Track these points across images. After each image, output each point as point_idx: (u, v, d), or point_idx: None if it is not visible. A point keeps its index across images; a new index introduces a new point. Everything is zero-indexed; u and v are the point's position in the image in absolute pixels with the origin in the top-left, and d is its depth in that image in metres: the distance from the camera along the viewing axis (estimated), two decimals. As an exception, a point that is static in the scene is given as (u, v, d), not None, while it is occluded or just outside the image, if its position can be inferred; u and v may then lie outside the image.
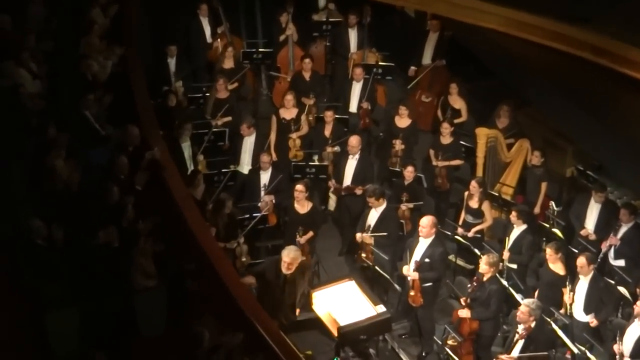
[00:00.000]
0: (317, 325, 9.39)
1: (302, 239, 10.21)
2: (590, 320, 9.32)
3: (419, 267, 9.49)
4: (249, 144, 11.64)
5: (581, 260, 9.31)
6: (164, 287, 8.72)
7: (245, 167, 11.60)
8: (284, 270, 8.90)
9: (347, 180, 11.31)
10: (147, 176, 9.82)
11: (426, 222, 9.57)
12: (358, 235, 10.27)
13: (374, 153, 12.96)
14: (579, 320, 9.38)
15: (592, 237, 10.50)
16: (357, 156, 11.31)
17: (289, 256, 8.89)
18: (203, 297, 8.70)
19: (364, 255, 10.23)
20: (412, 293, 9.60)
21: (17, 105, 10.34)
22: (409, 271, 9.56)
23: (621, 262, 10.11)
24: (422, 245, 9.61)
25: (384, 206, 10.32)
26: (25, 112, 10.30)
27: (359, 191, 11.09)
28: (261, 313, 8.18)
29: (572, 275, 9.62)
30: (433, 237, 9.60)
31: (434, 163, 11.73)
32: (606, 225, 10.45)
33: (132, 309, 8.55)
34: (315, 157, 12.06)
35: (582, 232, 10.57)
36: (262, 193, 10.95)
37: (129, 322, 8.51)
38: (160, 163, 9.96)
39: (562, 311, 9.39)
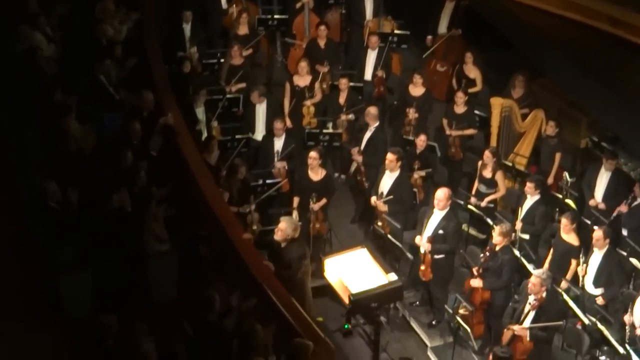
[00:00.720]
0: (328, 292, 9.31)
1: (315, 206, 10.13)
2: (600, 293, 9.19)
3: (433, 239, 9.39)
4: (260, 111, 11.52)
5: (597, 234, 9.16)
6: (176, 252, 8.70)
7: (258, 134, 11.49)
8: (275, 236, 8.82)
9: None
10: (160, 141, 9.75)
11: (442, 194, 9.44)
12: (373, 199, 10.18)
13: (387, 121, 12.84)
14: (590, 293, 9.25)
15: (601, 206, 10.40)
16: (373, 127, 11.20)
17: (281, 224, 8.79)
18: (215, 262, 8.66)
19: (379, 223, 10.13)
20: (422, 267, 9.51)
21: (32, 68, 10.27)
22: (422, 242, 9.46)
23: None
24: (436, 217, 9.48)
25: (397, 172, 10.20)
26: (41, 75, 10.22)
27: (358, 157, 11.02)
28: (272, 279, 8.09)
29: (586, 246, 9.51)
30: (447, 209, 9.48)
31: (448, 132, 11.62)
32: (615, 194, 10.33)
33: (144, 273, 8.55)
34: (329, 125, 11.95)
35: (591, 203, 10.46)
36: (276, 159, 10.85)
37: (141, 286, 8.52)
38: (173, 129, 9.86)
39: (565, 282, 9.32)
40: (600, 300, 9.19)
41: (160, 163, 9.64)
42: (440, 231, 9.43)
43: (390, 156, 10.11)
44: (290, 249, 8.63)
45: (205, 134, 11.07)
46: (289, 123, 11.70)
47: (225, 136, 11.16)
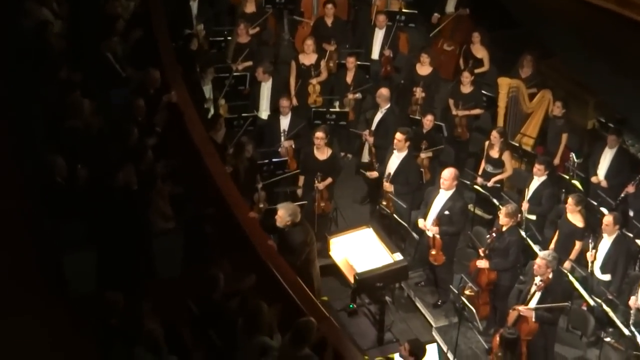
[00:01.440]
0: (333, 271, 9.26)
1: (320, 185, 10.02)
2: (608, 279, 9.06)
3: (439, 220, 9.28)
4: (266, 89, 11.36)
5: (608, 219, 9.01)
6: (181, 230, 8.61)
7: (263, 112, 11.37)
8: (277, 222, 8.70)
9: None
10: (166, 118, 9.63)
11: (448, 174, 9.31)
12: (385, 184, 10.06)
13: (394, 101, 12.63)
14: (599, 279, 9.11)
15: (603, 183, 10.29)
16: (385, 108, 11.05)
17: (279, 211, 8.62)
18: (220, 241, 8.57)
19: (384, 203, 10.01)
20: (433, 252, 9.39)
21: (40, 44, 10.14)
22: (428, 225, 9.36)
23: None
24: (442, 197, 9.36)
25: (405, 152, 10.07)
26: (49, 51, 10.10)
27: (369, 138, 10.91)
28: (277, 258, 8.01)
29: (591, 228, 9.38)
30: (454, 190, 9.36)
31: (454, 112, 11.49)
32: (617, 172, 10.22)
33: (150, 251, 8.47)
34: (336, 104, 11.80)
35: (593, 180, 10.35)
36: (282, 138, 10.74)
37: (146, 263, 8.44)
38: (179, 106, 9.74)
39: (568, 263, 9.24)
40: (609, 288, 9.04)
41: (166, 141, 9.53)
42: (447, 212, 9.31)
43: (399, 136, 9.97)
44: (293, 234, 8.50)
45: (212, 112, 10.93)
46: (295, 101, 11.57)
47: (232, 114, 11.03)
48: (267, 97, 11.37)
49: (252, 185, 9.79)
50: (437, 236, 9.33)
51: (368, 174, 10.50)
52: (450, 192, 9.34)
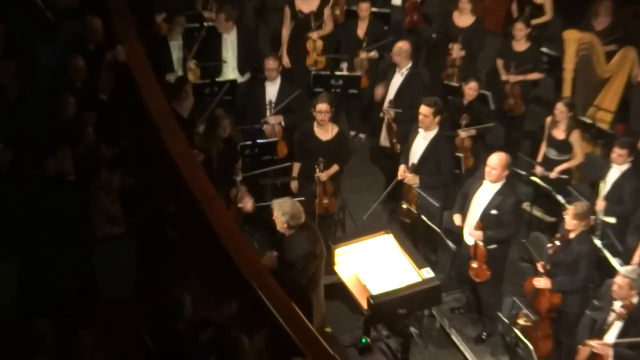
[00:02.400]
0: (339, 293, 9.31)
1: (322, 175, 10.05)
2: None
3: (483, 222, 9.29)
4: (229, 43, 11.41)
5: None
6: (133, 236, 8.66)
7: (229, 74, 11.41)
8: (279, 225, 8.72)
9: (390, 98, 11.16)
10: (112, 83, 9.69)
11: (496, 161, 9.30)
12: (402, 168, 10.08)
13: (422, 62, 12.75)
14: None
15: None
16: (405, 69, 11.08)
17: (274, 212, 8.63)
18: (186, 251, 8.63)
19: (404, 206, 10.05)
20: (474, 265, 9.41)
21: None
22: (469, 229, 9.38)
23: None
24: (488, 191, 9.37)
25: (434, 132, 10.10)
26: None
27: (388, 111, 11.00)
28: (265, 275, 8.02)
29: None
30: (503, 181, 9.36)
31: (504, 77, 11.55)
32: None
33: (91, 264, 8.52)
34: (344, 65, 11.85)
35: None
36: (268, 112, 10.78)
37: (87, 281, 8.49)
38: (129, 67, 9.80)
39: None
40: None
41: (113, 114, 9.57)
42: (493, 211, 9.32)
43: (424, 109, 9.97)
44: (294, 243, 8.51)
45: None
46: (287, 62, 11.56)
47: (204, 79, 11.11)
48: (234, 53, 11.43)
49: (229, 175, 9.84)
50: (480, 244, 9.34)
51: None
52: (498, 185, 9.35)
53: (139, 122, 9.61)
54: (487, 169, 9.37)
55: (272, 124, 10.77)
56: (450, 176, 10.26)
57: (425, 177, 9.99)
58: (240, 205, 9.76)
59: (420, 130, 10.09)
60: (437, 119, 10.04)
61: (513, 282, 9.89)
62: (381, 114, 11.25)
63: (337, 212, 10.53)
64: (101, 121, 9.33)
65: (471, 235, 9.39)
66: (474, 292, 9.82)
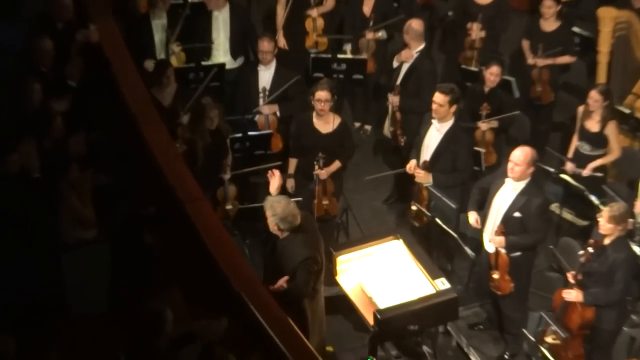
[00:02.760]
0: (342, 306, 9.31)
1: (322, 172, 10.04)
2: None
3: (506, 226, 9.25)
4: (220, 22, 11.45)
5: None
6: (107, 242, 8.67)
7: (220, 57, 11.43)
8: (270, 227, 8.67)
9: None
10: (83, 68, 9.71)
11: (520, 156, 9.24)
12: (411, 164, 10.06)
13: (437, 43, 12.79)
14: None
15: None
16: (416, 51, 11.08)
17: (266, 211, 8.60)
18: (167, 258, 8.59)
19: (414, 208, 10.04)
20: (495, 275, 9.37)
21: None
22: (489, 234, 9.35)
23: None
24: (510, 191, 9.35)
25: (450, 123, 10.08)
26: None
27: (393, 98, 10.99)
28: (257, 287, 7.98)
29: None
30: (528, 180, 9.32)
31: (531, 61, 11.58)
32: None
33: (59, 274, 8.50)
34: (347, 47, 11.88)
35: None
36: (261, 101, 10.78)
37: (54, 292, 8.47)
38: (103, 49, 9.81)
39: None
40: None
41: (85, 103, 9.54)
42: (517, 214, 9.29)
43: (439, 97, 9.96)
44: (289, 247, 8.48)
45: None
46: (283, 43, 11.60)
47: (189, 63, 11.12)
48: (226, 34, 11.45)
49: (217, 173, 9.88)
50: (502, 251, 9.31)
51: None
52: (522, 184, 9.31)
53: (113, 112, 9.59)
54: (509, 165, 9.33)
55: (265, 115, 10.77)
56: (467, 174, 10.26)
57: (439, 175, 9.99)
58: (228, 207, 9.76)
59: (434, 122, 10.09)
60: (453, 108, 10.03)
61: (540, 295, 9.92)
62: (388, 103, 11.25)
63: (339, 215, 10.54)
64: (71, 111, 9.31)
65: (492, 242, 9.36)
66: (496, 305, 9.81)
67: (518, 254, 9.39)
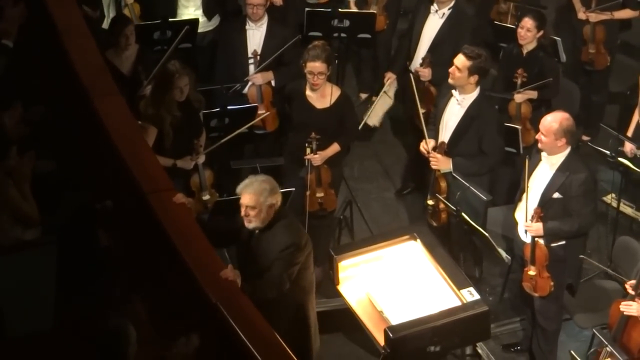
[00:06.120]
0: (344, 322, 9.37)
1: (316, 157, 10.11)
2: None
3: (543, 209, 9.30)
4: None
5: None
6: (52, 244, 8.65)
7: (189, 13, 11.50)
8: (245, 222, 8.73)
9: (421, 53, 11.19)
10: (20, 23, 9.80)
11: (548, 123, 9.23)
12: (429, 144, 10.12)
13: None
14: None
15: None
16: (447, 9, 11.18)
17: (246, 194, 8.64)
18: (127, 263, 8.70)
19: (430, 203, 10.14)
20: (531, 272, 9.42)
21: None
22: (522, 220, 9.42)
23: None
24: (547, 167, 9.42)
25: (475, 94, 10.16)
26: None
27: (423, 70, 11.01)
28: (238, 297, 8.04)
29: None
30: (567, 152, 9.36)
31: (582, 15, 11.66)
32: None
33: None
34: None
35: None
36: (252, 68, 10.87)
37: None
38: (46, 4, 9.90)
39: None
40: None
41: (23, 69, 9.65)
42: (556, 194, 9.35)
43: (459, 60, 9.98)
44: (269, 236, 8.60)
45: (110, 16, 11.11)
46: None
47: (151, 18, 11.18)
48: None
49: (188, 155, 9.92)
50: (540, 241, 9.39)
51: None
52: (560, 157, 9.35)
53: (59, 80, 9.65)
54: (539, 134, 9.37)
55: (258, 85, 10.84)
56: (497, 158, 10.32)
57: (460, 161, 10.07)
58: (205, 198, 9.88)
59: (455, 92, 10.13)
60: (474, 79, 10.06)
61: (591, 306, 9.87)
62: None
63: (340, 209, 10.62)
64: (5, 78, 9.39)
65: (528, 230, 9.39)
66: (531, 312, 9.86)
67: (560, 243, 9.46)
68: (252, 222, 8.48)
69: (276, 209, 8.50)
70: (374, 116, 11.55)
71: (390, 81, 11.41)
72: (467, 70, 9.94)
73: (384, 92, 11.41)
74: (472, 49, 10.05)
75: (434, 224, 10.20)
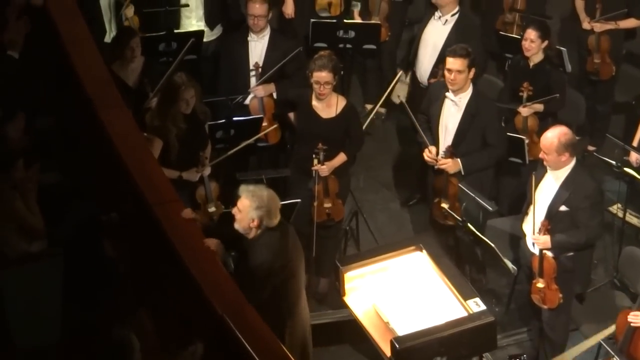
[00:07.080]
0: (350, 333, 9.36)
1: (323, 168, 10.09)
2: None
3: (550, 223, 9.28)
4: None
5: None
6: (59, 256, 8.69)
7: (192, 25, 11.53)
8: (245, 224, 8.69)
9: (426, 63, 11.22)
10: (25, 36, 9.79)
11: (547, 141, 9.23)
12: (431, 152, 10.13)
13: (469, 4, 12.88)
14: None
15: None
16: (449, 16, 11.21)
17: (241, 195, 8.59)
18: (133, 274, 8.70)
19: (444, 205, 10.12)
20: (540, 284, 9.42)
21: None
22: (529, 233, 9.41)
23: None
24: (552, 181, 9.42)
25: (470, 92, 10.16)
26: None
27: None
28: (243, 307, 8.04)
29: None
30: (572, 165, 9.37)
31: (587, 25, 11.64)
32: None
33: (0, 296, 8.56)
34: (356, 9, 11.94)
35: None
36: (253, 80, 10.87)
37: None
38: (50, 15, 9.91)
39: None
40: None
41: (28, 81, 9.64)
42: (563, 207, 9.35)
43: (455, 63, 9.97)
44: (248, 253, 8.62)
45: (112, 30, 11.13)
46: (291, 10, 11.70)
47: (155, 29, 11.17)
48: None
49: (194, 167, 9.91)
50: (549, 254, 9.38)
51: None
52: (566, 171, 9.36)
53: (65, 92, 9.65)
54: (542, 151, 9.37)
55: (259, 97, 10.82)
56: (502, 149, 10.35)
57: (468, 159, 10.08)
58: (211, 210, 9.89)
59: (449, 95, 10.14)
60: (472, 73, 10.10)
61: (599, 315, 9.86)
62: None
63: (346, 220, 10.59)
64: (10, 90, 9.38)
65: (535, 242, 9.38)
66: (542, 330, 9.84)
67: (567, 255, 9.45)
68: (237, 223, 8.50)
69: (261, 227, 8.48)
70: (394, 95, 11.55)
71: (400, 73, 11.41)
72: (466, 67, 9.99)
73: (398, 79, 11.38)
74: (460, 47, 10.09)
75: (450, 222, 10.19)
